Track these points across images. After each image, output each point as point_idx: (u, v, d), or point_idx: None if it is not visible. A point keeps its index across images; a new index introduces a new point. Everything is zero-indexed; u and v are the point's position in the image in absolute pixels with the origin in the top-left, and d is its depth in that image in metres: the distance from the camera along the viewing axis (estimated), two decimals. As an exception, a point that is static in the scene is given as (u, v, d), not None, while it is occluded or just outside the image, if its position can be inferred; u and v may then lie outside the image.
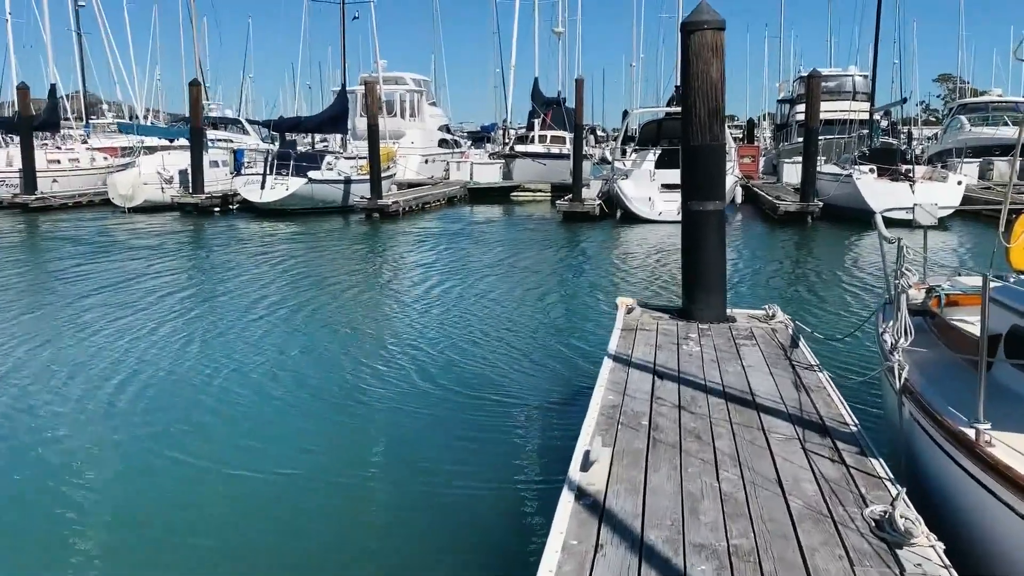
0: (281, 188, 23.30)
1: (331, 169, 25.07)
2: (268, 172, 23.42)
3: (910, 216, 18.30)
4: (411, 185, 31.39)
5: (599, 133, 62.31)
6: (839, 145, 29.40)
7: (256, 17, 46.78)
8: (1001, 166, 29.74)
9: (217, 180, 25.98)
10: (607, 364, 5.78)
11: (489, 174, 33.36)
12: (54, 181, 27.47)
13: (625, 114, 31.13)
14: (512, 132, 40.99)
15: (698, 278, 7.23)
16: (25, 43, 34.54)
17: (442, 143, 40.38)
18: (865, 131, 28.10)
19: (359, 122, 35.75)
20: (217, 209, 25.02)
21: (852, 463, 3.98)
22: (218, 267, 15.72)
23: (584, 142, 43.63)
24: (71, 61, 36.67)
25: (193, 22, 35.52)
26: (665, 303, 9.15)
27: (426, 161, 36.77)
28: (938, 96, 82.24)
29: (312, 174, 23.83)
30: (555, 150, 34.55)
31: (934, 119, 68.55)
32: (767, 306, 7.44)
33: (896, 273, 5.08)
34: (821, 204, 21.29)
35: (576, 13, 58.76)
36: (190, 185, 25.00)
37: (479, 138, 58.05)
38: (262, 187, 23.28)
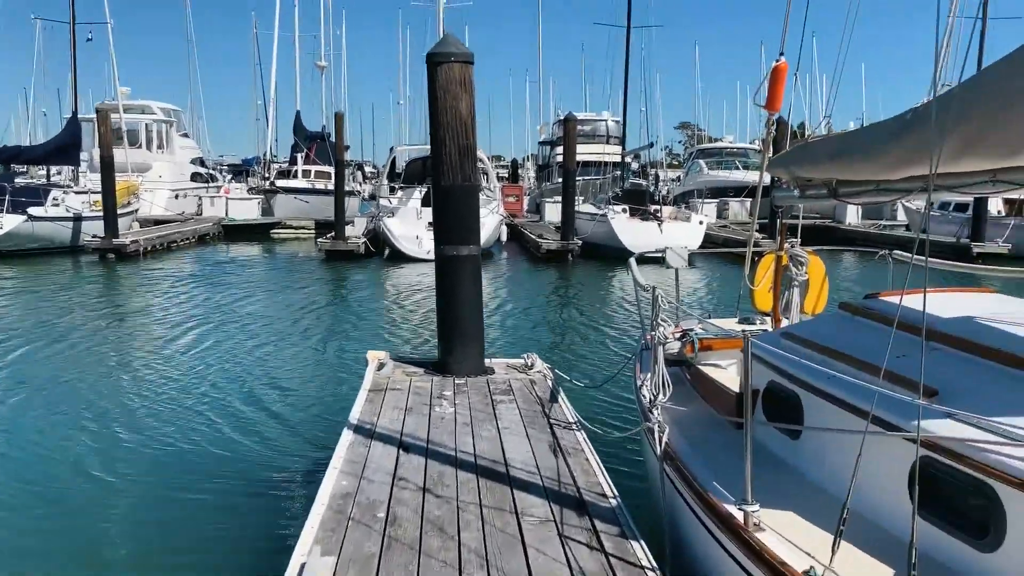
0: (-7, 227, 20.22)
1: (57, 205, 22.19)
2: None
3: (661, 254, 19.16)
4: (157, 222, 28.78)
5: (368, 169, 61.60)
6: (594, 185, 30.81)
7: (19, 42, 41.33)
8: (735, 206, 32.63)
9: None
10: (346, 437, 5.03)
11: (246, 210, 31.42)
12: None
13: (391, 150, 30.58)
14: (275, 166, 39.18)
15: (454, 329, 6.69)
16: None
17: (195, 177, 37.67)
18: (618, 173, 29.63)
19: (96, 153, 32.44)
20: (-89, 251, 21.27)
21: (612, 549, 3.51)
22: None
23: (351, 178, 43.05)
24: None
25: None
26: (423, 355, 8.56)
27: (176, 196, 34.03)
28: (679, 142, 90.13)
29: (33, 210, 20.92)
30: (320, 186, 33.31)
31: (676, 163, 74.91)
32: (526, 355, 7.05)
33: (652, 324, 4.80)
34: (580, 242, 21.91)
35: (340, 47, 58.23)
36: None
37: (240, 172, 55.26)
38: (-31, 226, 20.06)
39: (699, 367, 5.60)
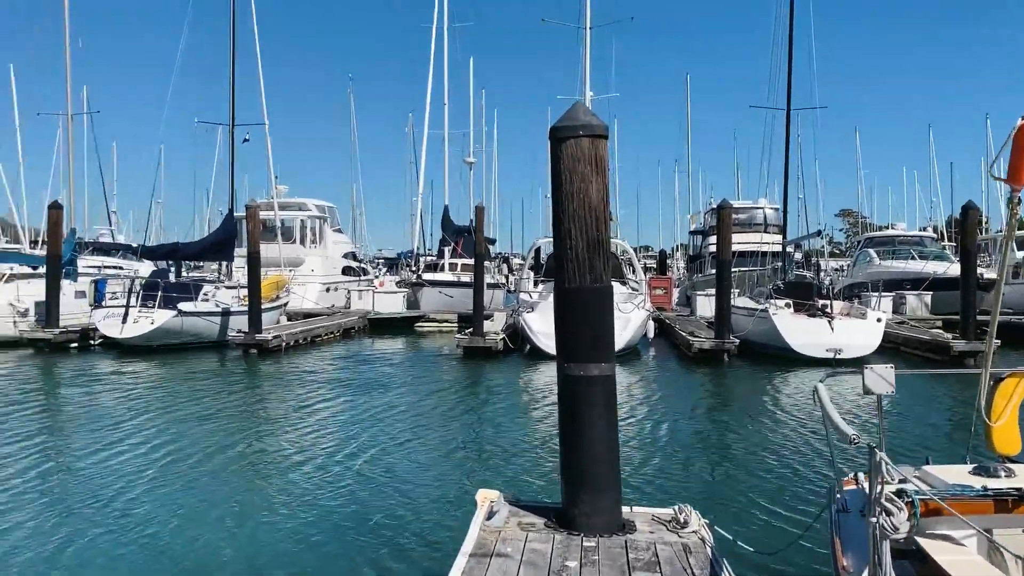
0: (145, 322, 20.71)
1: (207, 300, 22.64)
2: (131, 304, 20.84)
3: (830, 355, 16.70)
4: (307, 315, 29.14)
5: (515, 262, 61.74)
6: (751, 278, 28.67)
7: (169, 142, 44.99)
8: (912, 300, 29.38)
9: (83, 312, 23.28)
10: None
11: (392, 304, 31.40)
12: None
13: (534, 242, 29.91)
14: (424, 260, 39.57)
15: (581, 473, 5.20)
16: None
17: (347, 270, 38.52)
18: (778, 264, 27.43)
19: (257, 249, 33.72)
20: (74, 345, 22.16)
21: None
22: (51, 417, 13.04)
23: (496, 271, 42.82)
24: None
25: (70, 138, 33.06)
26: (547, 489, 7.09)
27: (327, 289, 34.72)
28: (840, 230, 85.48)
29: (183, 305, 21.36)
30: (465, 279, 33.02)
31: (838, 251, 70.72)
32: (678, 507, 5.42)
33: (870, 508, 3.18)
34: (737, 341, 19.89)
35: (492, 142, 59.43)
36: (47, 319, 22.12)
37: (393, 265, 56.70)
38: (123, 320, 20.64)
39: (922, 543, 3.88)
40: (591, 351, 5.15)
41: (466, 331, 22.21)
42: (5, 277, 24.66)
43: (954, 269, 31.43)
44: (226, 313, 22.66)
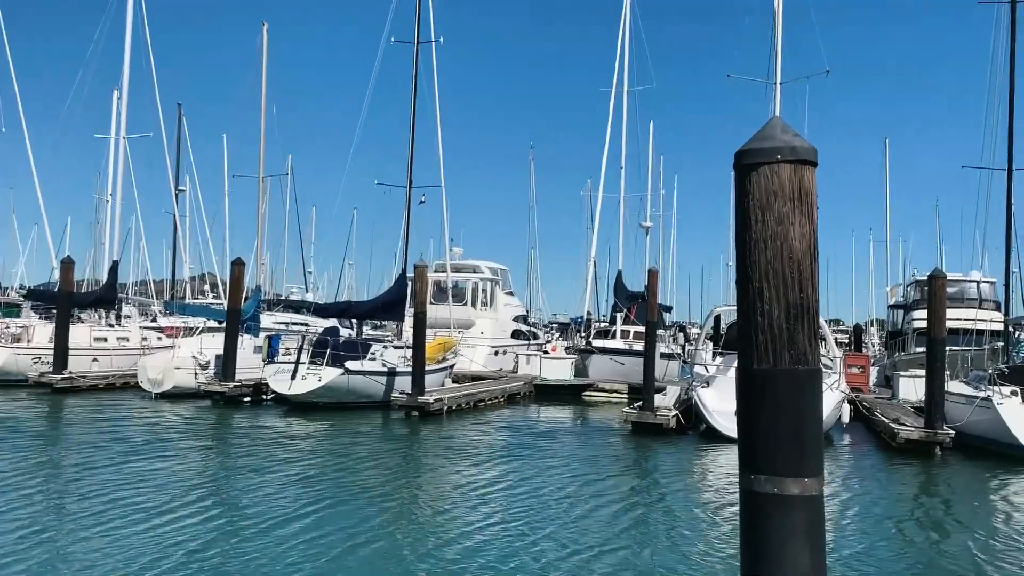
0: (313, 379, 20.76)
1: (374, 359, 22.52)
2: (301, 360, 21.00)
3: None
4: (475, 378, 28.63)
5: (692, 331, 59.13)
6: (964, 359, 25.16)
7: (363, 206, 47.12)
8: None
9: (259, 367, 23.89)
10: None
11: (560, 370, 30.26)
12: (94, 360, 26.01)
13: (712, 310, 27.95)
14: (597, 326, 38.39)
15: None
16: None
17: (516, 334, 37.95)
18: (999, 344, 23.91)
19: (429, 310, 33.71)
20: (247, 399, 22.63)
21: None
22: (210, 470, 12.90)
23: (671, 340, 40.80)
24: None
25: (260, 198, 34.95)
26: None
27: (496, 353, 34.20)
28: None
29: (350, 364, 21.28)
30: (638, 347, 31.42)
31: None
32: None
33: None
34: (952, 432, 17.02)
35: (671, 207, 57.85)
36: (224, 372, 22.79)
37: (566, 330, 55.92)
38: (292, 377, 20.80)
39: None
40: (790, 460, 3.69)
41: (635, 405, 20.61)
42: (199, 330, 25.95)
43: None
44: (392, 373, 22.40)
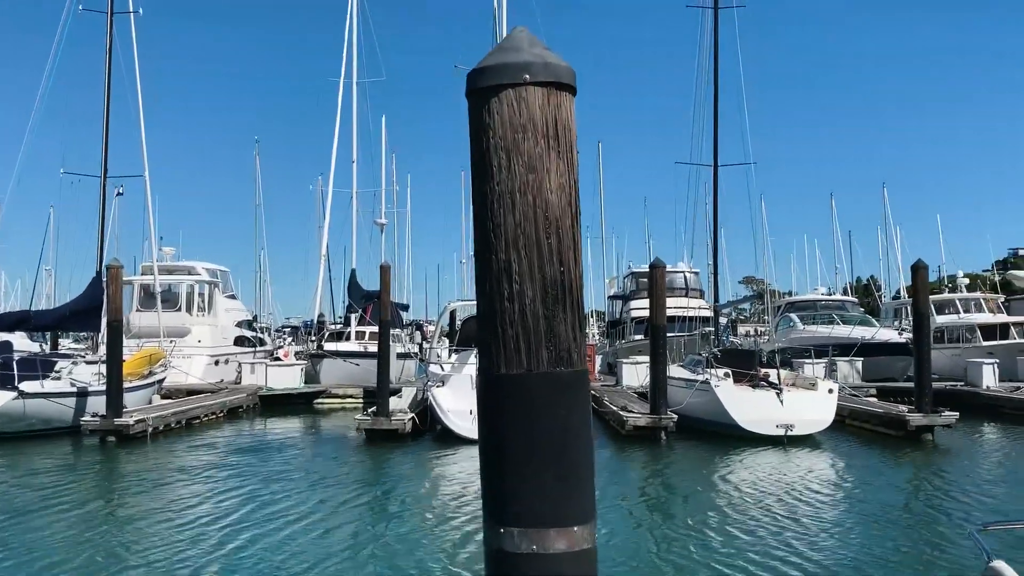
0: (-26, 405, 17.06)
1: (59, 378, 19.09)
2: (-42, 384, 17.19)
3: (781, 431, 14.45)
4: (190, 392, 25.64)
5: (429, 329, 58.85)
6: (678, 344, 26.80)
7: (61, 208, 40.54)
8: (844, 367, 27.95)
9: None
10: None
11: (288, 378, 28.10)
12: None
13: (446, 306, 27.41)
14: (331, 329, 36.52)
15: None
16: None
17: (240, 341, 34.97)
18: (708, 329, 25.67)
19: (135, 318, 30.04)
20: None
21: None
22: None
23: (408, 339, 39.92)
24: None
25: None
26: None
27: (216, 363, 31.17)
28: (743, 296, 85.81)
29: (25, 386, 17.77)
30: (373, 349, 30.10)
31: (742, 317, 70.39)
32: None
33: None
34: (675, 416, 17.62)
35: (404, 204, 57.13)
36: None
37: (298, 333, 53.08)
38: (-54, 404, 16.94)
39: None
40: (553, 503, 2.63)
41: (369, 411, 19.31)
42: None
43: (882, 334, 30.58)
44: (82, 394, 19.09)
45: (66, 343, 36.71)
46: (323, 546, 9.33)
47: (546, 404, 2.74)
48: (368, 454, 16.78)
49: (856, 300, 41.18)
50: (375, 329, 31.76)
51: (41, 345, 28.04)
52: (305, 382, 28.59)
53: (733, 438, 16.89)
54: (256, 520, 10.67)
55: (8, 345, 19.10)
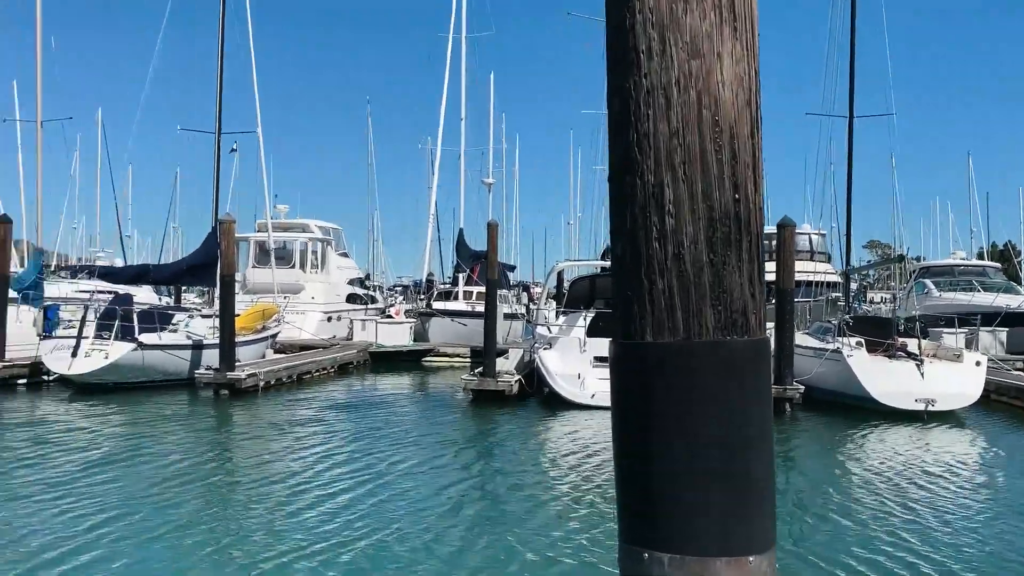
0: (99, 356, 17.57)
1: (176, 331, 19.53)
2: (84, 334, 17.73)
3: (920, 406, 13.00)
4: (303, 348, 26.02)
5: (536, 291, 58.38)
6: (803, 310, 25.21)
7: (184, 166, 42.26)
8: (986, 338, 25.67)
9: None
10: None
11: (397, 335, 28.15)
12: None
13: (554, 266, 26.72)
14: (438, 287, 36.59)
15: None
16: None
17: (352, 298, 35.39)
18: (835, 295, 24.01)
19: (250, 274, 30.80)
20: (22, 381, 19.09)
21: None
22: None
23: (515, 300, 39.55)
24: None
25: (39, 147, 30.37)
26: None
27: (328, 319, 31.58)
28: (867, 261, 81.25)
29: (144, 337, 18.22)
30: (481, 308, 29.82)
31: (866, 284, 66.46)
32: None
33: None
34: (802, 388, 16.40)
35: (513, 163, 56.55)
36: (-11, 350, 19.09)
37: (408, 292, 53.67)
38: (73, 354, 17.54)
39: None
40: (722, 524, 1.88)
41: (476, 371, 18.93)
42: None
43: (1032, 301, 27.92)
44: (198, 347, 19.49)
45: (189, 297, 38.07)
46: (427, 505, 8.89)
47: (712, 386, 1.97)
48: (474, 414, 16.39)
49: (999, 266, 37.96)
50: (482, 289, 31.55)
51: (164, 299, 29.10)
52: (414, 340, 28.62)
53: (865, 412, 15.58)
54: (358, 475, 10.38)
55: (128, 298, 19.62)
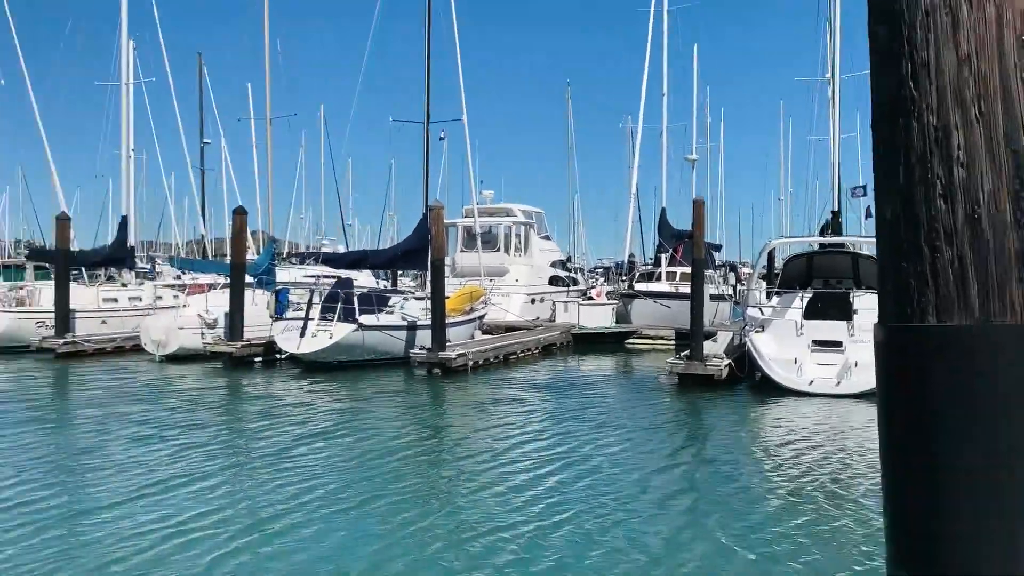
0: (324, 336, 18.89)
1: (392, 312, 20.55)
2: (310, 316, 19.11)
3: None
4: (508, 329, 26.61)
5: (744, 271, 56.14)
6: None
7: (398, 155, 45.20)
8: None
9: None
10: None
11: (599, 317, 28.07)
12: (103, 322, 24.56)
13: (765, 244, 25.39)
14: (640, 269, 36.18)
15: None
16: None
17: (554, 281, 35.73)
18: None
19: (459, 258, 31.93)
20: (258, 359, 20.92)
21: None
22: (221, 441, 11.01)
23: (721, 280, 38.20)
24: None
25: (268, 141, 32.89)
26: None
27: (532, 301, 32.08)
28: None
29: (364, 319, 19.33)
30: (685, 290, 29.07)
31: None
32: None
33: None
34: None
35: (718, 139, 54.64)
36: (230, 331, 21.06)
37: (609, 273, 53.63)
38: (301, 335, 18.96)
39: None
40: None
41: (682, 354, 18.39)
42: (220, 286, 24.31)
43: None
44: (411, 327, 20.44)
45: (405, 281, 40.24)
46: (633, 492, 8.65)
47: (1018, 380, 1.54)
48: (680, 399, 15.91)
49: None
50: (687, 269, 30.71)
51: (382, 282, 30.86)
52: (616, 322, 28.40)
53: None
54: (563, 458, 10.33)
55: (349, 282, 20.91)
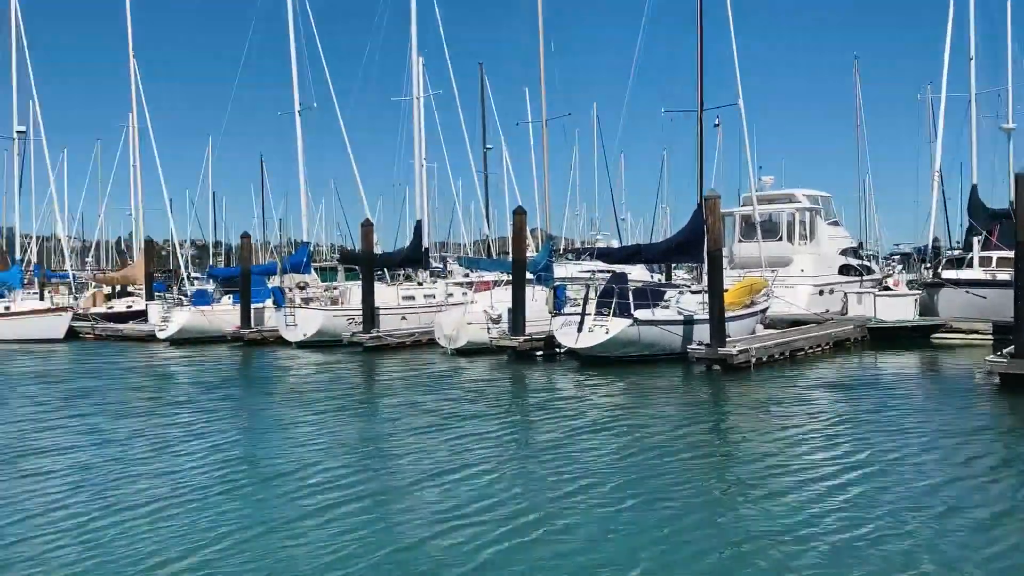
0: (600, 331, 18.96)
1: (667, 307, 20.14)
2: (587, 311, 19.28)
3: None
4: (793, 323, 25.05)
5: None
6: None
7: (670, 146, 45.34)
8: None
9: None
10: None
11: (899, 309, 25.43)
12: (403, 318, 26.77)
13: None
14: (947, 255, 32.53)
15: None
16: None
17: (844, 270, 33.06)
18: None
19: (737, 248, 30.70)
20: (539, 353, 21.55)
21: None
22: (511, 431, 11.63)
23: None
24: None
25: (544, 142, 33.68)
26: None
27: (819, 292, 29.92)
28: None
29: (639, 313, 19.13)
30: (1004, 276, 25.55)
31: None
32: None
33: None
34: None
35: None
36: (512, 326, 21.91)
37: (908, 260, 48.78)
38: (579, 329, 19.20)
39: None
40: None
41: (1004, 351, 16.03)
42: (503, 283, 25.53)
43: None
44: (688, 322, 19.88)
45: (679, 274, 39.52)
46: (949, 508, 7.57)
47: None
48: (1004, 402, 13.88)
49: None
50: (1006, 254, 26.91)
51: (656, 276, 30.58)
52: (920, 314, 25.60)
53: None
54: (855, 466, 9.36)
55: (624, 276, 20.84)
